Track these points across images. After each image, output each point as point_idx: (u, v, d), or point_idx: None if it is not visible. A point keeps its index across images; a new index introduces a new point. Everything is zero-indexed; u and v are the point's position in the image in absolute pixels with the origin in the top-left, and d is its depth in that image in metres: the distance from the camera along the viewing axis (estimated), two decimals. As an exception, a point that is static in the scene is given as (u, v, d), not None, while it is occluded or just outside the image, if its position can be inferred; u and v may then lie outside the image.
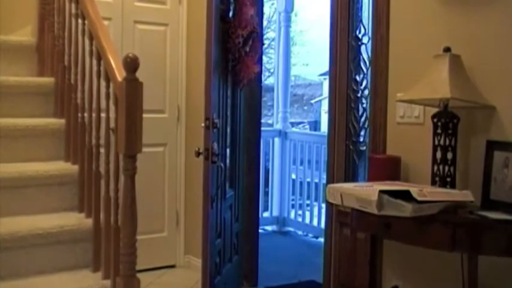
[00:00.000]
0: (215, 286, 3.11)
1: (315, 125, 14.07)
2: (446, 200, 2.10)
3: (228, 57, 3.41)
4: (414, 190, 2.04)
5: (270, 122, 7.33)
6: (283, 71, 5.76)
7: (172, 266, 4.13)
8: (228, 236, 3.46)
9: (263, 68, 3.81)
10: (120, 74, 2.28)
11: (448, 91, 2.20)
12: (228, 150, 3.49)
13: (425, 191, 2.08)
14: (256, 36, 3.53)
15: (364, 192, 2.15)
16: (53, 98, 3.26)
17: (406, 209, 2.02)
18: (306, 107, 16.19)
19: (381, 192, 2.07)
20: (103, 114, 2.57)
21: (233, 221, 3.58)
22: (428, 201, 2.04)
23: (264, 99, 4.78)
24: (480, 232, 2.02)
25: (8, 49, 3.45)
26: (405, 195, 2.05)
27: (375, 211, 2.07)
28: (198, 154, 3.00)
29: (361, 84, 3.03)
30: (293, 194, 5.66)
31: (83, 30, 2.82)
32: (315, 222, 5.25)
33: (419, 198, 2.02)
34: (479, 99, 2.30)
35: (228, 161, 3.49)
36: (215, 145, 3.00)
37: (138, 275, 2.25)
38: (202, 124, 3.02)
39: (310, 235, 5.33)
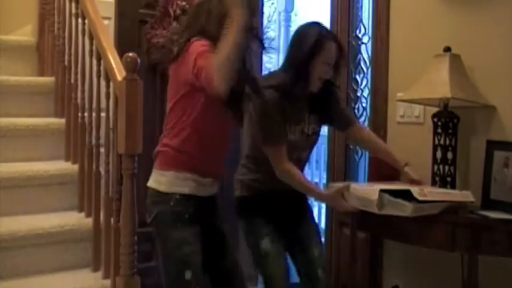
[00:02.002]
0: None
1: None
2: (447, 200, 2.10)
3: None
4: (415, 190, 2.04)
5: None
6: (283, 70, 5.73)
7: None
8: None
9: (263, 67, 3.80)
10: (120, 74, 2.27)
11: (448, 91, 2.20)
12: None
13: (426, 190, 2.08)
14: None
15: (364, 191, 2.15)
16: (53, 98, 3.26)
17: (407, 209, 2.01)
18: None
19: (382, 191, 2.06)
20: (103, 114, 2.57)
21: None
22: (429, 201, 2.03)
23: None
24: (480, 232, 2.01)
25: (8, 49, 3.46)
26: (406, 195, 2.04)
27: (375, 210, 2.06)
28: None
29: (361, 84, 3.03)
30: (293, 193, 5.65)
31: (83, 30, 2.82)
32: (315, 222, 5.24)
33: (420, 198, 2.01)
34: (479, 99, 2.30)
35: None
36: None
37: (138, 274, 2.24)
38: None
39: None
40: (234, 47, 1.76)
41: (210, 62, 1.75)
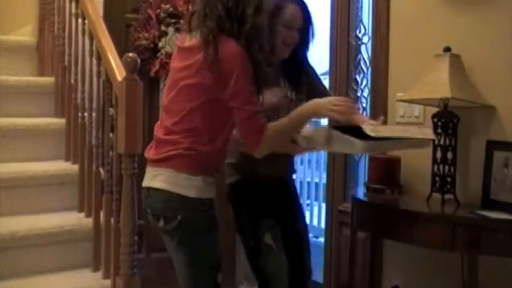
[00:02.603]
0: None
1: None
2: (403, 137, 1.89)
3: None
4: (367, 127, 1.80)
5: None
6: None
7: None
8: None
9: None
10: (120, 74, 2.28)
11: (448, 91, 2.20)
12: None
13: (380, 128, 1.89)
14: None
15: (313, 130, 2.01)
16: (53, 98, 3.26)
17: (356, 146, 1.81)
18: (306, 107, 16.14)
19: (331, 127, 1.90)
20: (103, 114, 2.57)
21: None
22: (382, 138, 1.81)
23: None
24: (480, 232, 2.01)
25: (8, 49, 3.46)
26: (360, 134, 1.81)
27: (323, 147, 1.96)
28: None
29: (361, 84, 3.03)
30: (293, 193, 5.65)
31: (83, 30, 2.82)
32: (315, 222, 5.24)
33: (372, 134, 1.76)
34: (479, 99, 2.30)
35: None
36: None
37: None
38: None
39: (310, 235, 5.28)
40: (295, 127, 1.92)
41: (264, 126, 1.78)
